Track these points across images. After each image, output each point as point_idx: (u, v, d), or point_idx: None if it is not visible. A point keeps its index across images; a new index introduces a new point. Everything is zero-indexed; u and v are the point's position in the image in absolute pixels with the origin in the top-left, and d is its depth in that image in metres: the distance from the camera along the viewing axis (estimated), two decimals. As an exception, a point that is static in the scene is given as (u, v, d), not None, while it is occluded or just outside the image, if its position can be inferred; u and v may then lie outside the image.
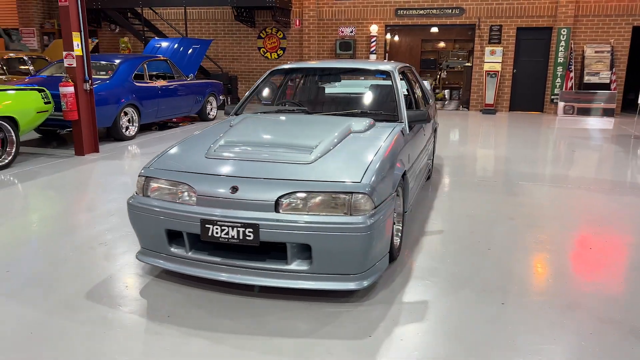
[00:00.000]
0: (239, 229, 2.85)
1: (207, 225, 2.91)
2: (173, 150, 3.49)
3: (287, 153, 3.20)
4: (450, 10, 13.27)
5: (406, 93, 4.98)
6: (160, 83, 9.36)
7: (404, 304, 2.99)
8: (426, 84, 6.49)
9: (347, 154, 3.24)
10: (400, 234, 3.73)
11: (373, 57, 13.87)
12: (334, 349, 2.52)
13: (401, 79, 4.55)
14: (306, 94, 5.18)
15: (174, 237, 3.13)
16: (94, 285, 3.20)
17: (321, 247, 2.82)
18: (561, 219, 4.61)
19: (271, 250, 3.02)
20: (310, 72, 5.00)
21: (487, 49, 13.03)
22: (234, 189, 2.93)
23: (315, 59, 14.38)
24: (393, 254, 3.46)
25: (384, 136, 3.63)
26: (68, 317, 2.81)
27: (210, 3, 13.92)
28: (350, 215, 2.85)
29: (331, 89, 5.33)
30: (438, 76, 16.68)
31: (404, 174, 3.68)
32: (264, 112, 4.37)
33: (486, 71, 13.06)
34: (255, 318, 2.82)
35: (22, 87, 6.68)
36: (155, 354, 2.47)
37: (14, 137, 6.40)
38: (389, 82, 4.47)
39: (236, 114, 4.41)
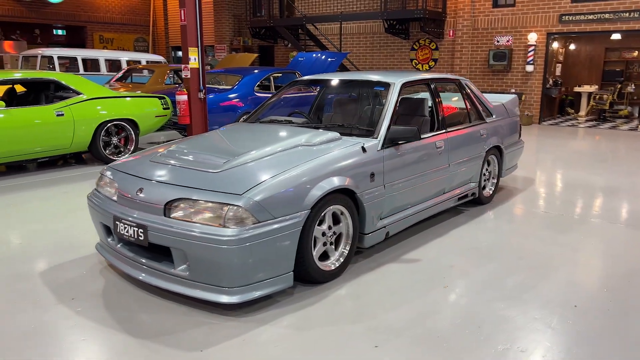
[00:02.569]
0: (134, 228, 3.07)
1: (116, 222, 3.20)
2: (141, 152, 3.87)
3: (206, 161, 3.31)
4: (627, 14, 11.28)
5: (430, 108, 4.57)
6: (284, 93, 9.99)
7: (272, 328, 2.84)
8: (508, 98, 5.78)
9: (263, 167, 3.20)
10: (343, 256, 3.50)
11: (530, 68, 12.56)
12: (160, 353, 2.57)
13: (420, 92, 4.22)
14: (303, 106, 5.13)
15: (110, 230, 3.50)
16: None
17: (195, 255, 2.88)
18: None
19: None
20: (320, 84, 4.92)
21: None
22: (140, 190, 3.16)
23: (466, 70, 13.63)
24: (316, 276, 3.28)
25: (331, 151, 3.46)
26: (12, 284, 3.38)
27: (363, 17, 14.30)
28: (224, 227, 2.83)
29: (327, 101, 5.26)
30: (617, 89, 14.21)
31: (354, 193, 3.45)
32: (256, 121, 4.49)
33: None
34: (131, 313, 3.00)
35: (144, 95, 7.92)
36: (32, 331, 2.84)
37: (133, 136, 7.64)
38: (388, 96, 4.17)
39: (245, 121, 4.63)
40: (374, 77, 4.45)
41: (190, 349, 2.62)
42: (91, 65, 13.31)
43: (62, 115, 6.71)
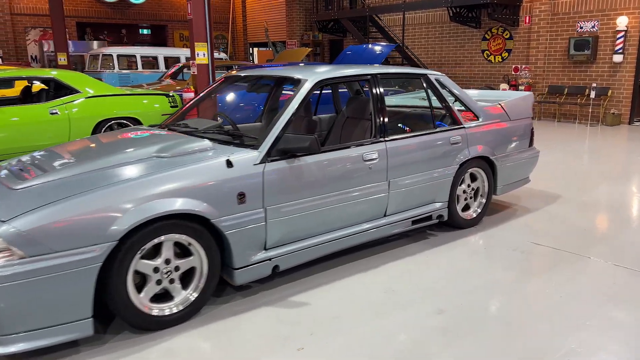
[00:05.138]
0: None
1: None
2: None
3: (20, 176, 2.82)
4: None
5: (378, 109, 3.69)
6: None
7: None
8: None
9: (63, 185, 2.62)
10: (188, 301, 2.83)
11: (618, 58, 10.60)
12: None
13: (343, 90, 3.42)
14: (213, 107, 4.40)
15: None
16: None
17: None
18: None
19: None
20: (244, 81, 4.18)
21: None
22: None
23: (543, 62, 11.91)
24: (143, 324, 2.66)
25: (181, 166, 2.80)
26: None
27: (427, 6, 13.12)
28: (-13, 260, 2.32)
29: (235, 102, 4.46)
30: None
31: (208, 221, 2.77)
32: (167, 126, 3.90)
33: None
34: None
35: (150, 93, 7.72)
36: None
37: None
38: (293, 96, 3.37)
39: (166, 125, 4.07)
40: (286, 72, 3.66)
41: None
42: (150, 62, 13.63)
43: (57, 113, 6.67)
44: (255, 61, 21.03)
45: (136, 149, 3.10)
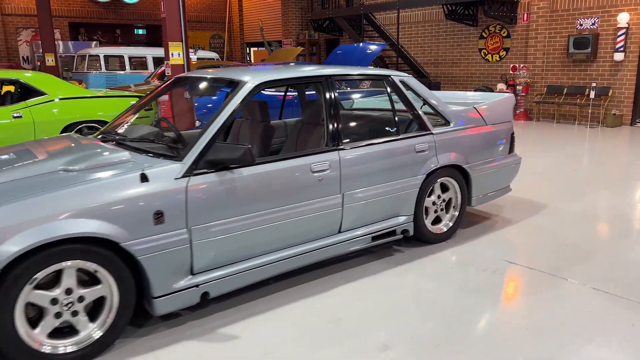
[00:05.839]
0: None
1: None
2: None
3: None
4: None
5: (331, 114, 3.32)
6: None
7: None
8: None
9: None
10: (90, 338, 2.49)
11: (619, 56, 10.15)
12: None
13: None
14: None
15: None
16: None
17: None
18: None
19: None
20: (186, 83, 3.83)
21: None
22: None
23: (541, 61, 11.47)
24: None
25: (85, 181, 2.45)
26: None
27: (421, 4, 12.72)
28: None
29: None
30: None
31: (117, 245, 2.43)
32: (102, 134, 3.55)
33: None
34: None
35: (120, 95, 7.39)
36: None
37: (109, 140, 7.14)
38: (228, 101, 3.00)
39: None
40: (226, 74, 3.30)
41: None
42: (141, 63, 13.33)
43: (20, 117, 6.36)
44: (252, 61, 20.71)
45: (46, 160, 2.76)
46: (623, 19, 9.98)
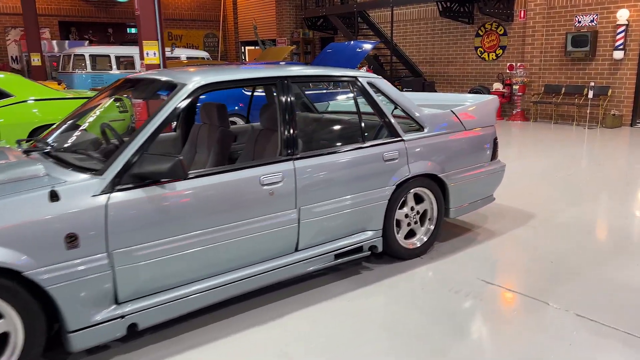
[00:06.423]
0: None
1: None
2: None
3: None
4: None
5: (286, 120, 2.98)
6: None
7: None
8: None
9: None
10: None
11: (619, 54, 9.77)
12: None
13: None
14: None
15: None
16: None
17: None
18: None
19: None
20: (131, 85, 3.49)
21: None
22: None
23: (539, 59, 11.10)
24: None
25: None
26: None
27: (415, 0, 12.35)
28: None
29: None
30: None
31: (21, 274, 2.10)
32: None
33: None
34: None
35: (93, 97, 7.07)
36: None
37: (81, 143, 6.83)
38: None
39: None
40: (166, 75, 2.97)
41: None
42: (129, 62, 13.00)
43: (-17, 120, 6.06)
44: (247, 60, 20.39)
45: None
46: (623, 15, 9.60)
